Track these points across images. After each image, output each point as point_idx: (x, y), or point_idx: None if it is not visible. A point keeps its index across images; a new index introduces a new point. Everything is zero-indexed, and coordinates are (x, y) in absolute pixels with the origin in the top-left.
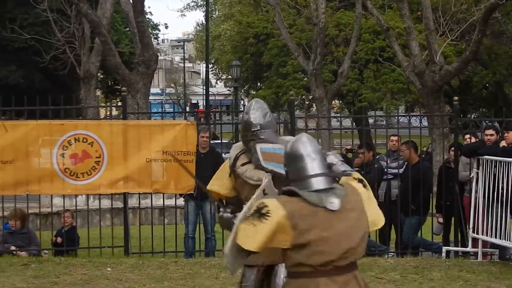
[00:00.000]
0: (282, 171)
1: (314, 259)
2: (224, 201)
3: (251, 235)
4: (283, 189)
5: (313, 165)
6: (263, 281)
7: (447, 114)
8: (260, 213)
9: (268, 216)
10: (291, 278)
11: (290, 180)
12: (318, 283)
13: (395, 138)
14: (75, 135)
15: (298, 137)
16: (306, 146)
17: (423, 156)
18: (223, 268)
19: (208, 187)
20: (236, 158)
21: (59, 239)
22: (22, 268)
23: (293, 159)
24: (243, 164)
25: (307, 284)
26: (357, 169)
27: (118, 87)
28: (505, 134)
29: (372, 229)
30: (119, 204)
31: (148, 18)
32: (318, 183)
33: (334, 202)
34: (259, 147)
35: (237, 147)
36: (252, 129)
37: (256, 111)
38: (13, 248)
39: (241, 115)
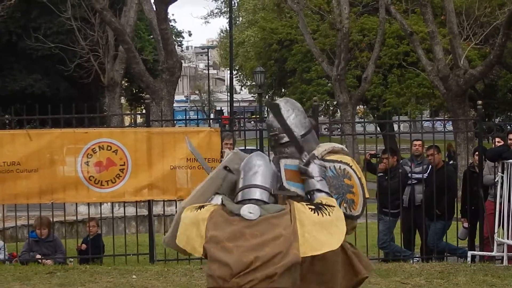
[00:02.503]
0: (303, 194)
1: (215, 270)
2: None
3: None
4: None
5: (250, 178)
6: None
7: (472, 118)
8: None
9: (201, 208)
10: None
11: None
12: None
13: (418, 142)
14: (99, 143)
15: (251, 154)
16: (250, 161)
17: (452, 154)
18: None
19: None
20: None
21: (83, 246)
22: (48, 276)
23: (239, 174)
24: None
25: None
26: (381, 174)
27: (143, 94)
28: None
29: (310, 254)
30: (144, 212)
31: (171, 25)
32: (247, 193)
33: (253, 212)
34: (283, 163)
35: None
36: (270, 133)
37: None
38: (38, 256)
39: None
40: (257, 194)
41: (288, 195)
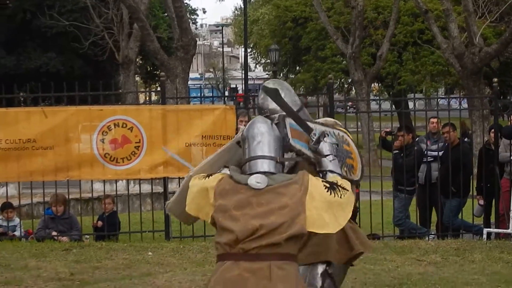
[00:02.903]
0: (310, 154)
1: (222, 237)
2: None
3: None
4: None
5: (255, 148)
6: None
7: (487, 96)
8: (208, 175)
9: (209, 177)
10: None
11: (242, 165)
12: (222, 266)
13: (435, 120)
14: (114, 121)
15: (252, 120)
16: (254, 128)
17: (468, 132)
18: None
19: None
20: None
21: (99, 223)
22: (64, 253)
23: (243, 142)
24: None
25: (217, 267)
26: (396, 151)
27: (157, 72)
28: None
29: (309, 229)
30: (159, 189)
31: (186, 3)
32: (255, 165)
33: (260, 182)
34: (288, 121)
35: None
36: (263, 115)
37: (264, 93)
38: (54, 233)
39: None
40: (264, 166)
41: (295, 160)
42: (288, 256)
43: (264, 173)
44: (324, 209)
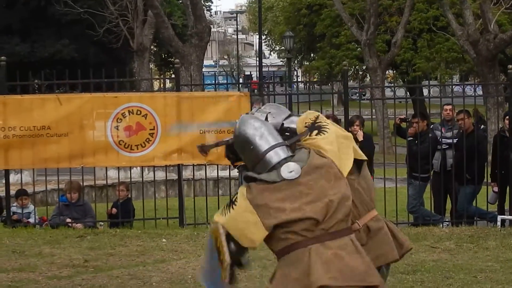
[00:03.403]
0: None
1: (298, 226)
2: None
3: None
4: (244, 175)
5: (261, 142)
6: None
7: (502, 82)
8: (230, 201)
9: (235, 203)
10: (281, 257)
11: (250, 168)
12: (310, 250)
13: (449, 107)
14: (129, 108)
15: (240, 120)
16: (248, 126)
17: (480, 118)
18: None
19: None
20: None
21: (114, 210)
22: (78, 240)
23: (243, 144)
24: None
25: (299, 255)
26: (411, 138)
27: (172, 59)
28: None
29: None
30: (173, 176)
31: None
32: (273, 157)
33: (293, 170)
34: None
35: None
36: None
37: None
38: (68, 220)
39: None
40: (280, 154)
41: (298, 138)
42: (351, 230)
43: (285, 160)
44: (345, 149)
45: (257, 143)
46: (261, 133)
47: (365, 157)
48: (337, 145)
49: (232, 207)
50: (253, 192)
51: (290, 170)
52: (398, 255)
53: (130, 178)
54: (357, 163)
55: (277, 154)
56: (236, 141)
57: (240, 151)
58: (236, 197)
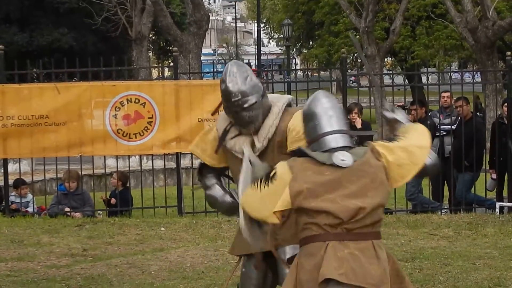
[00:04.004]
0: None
1: (322, 219)
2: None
3: (257, 202)
4: (292, 149)
5: (329, 123)
6: (266, 278)
7: (500, 69)
8: (268, 178)
9: (274, 180)
10: (302, 246)
11: (308, 141)
12: (328, 245)
13: (446, 94)
14: (127, 96)
15: (314, 95)
16: (322, 103)
17: (479, 106)
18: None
19: (192, 147)
20: (225, 132)
21: (113, 200)
22: (77, 229)
23: (309, 118)
24: (232, 138)
25: (316, 248)
26: None
27: (170, 48)
28: None
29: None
30: (172, 165)
31: None
32: (331, 141)
33: (345, 159)
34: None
35: (225, 118)
36: (232, 99)
37: (233, 76)
38: (67, 209)
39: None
40: (341, 141)
41: (365, 134)
42: (380, 234)
43: (342, 148)
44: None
45: (322, 122)
46: (330, 115)
47: None
48: (405, 155)
49: (269, 184)
50: (297, 167)
51: (342, 158)
52: None
53: (129, 166)
54: None
55: (336, 140)
56: (305, 110)
57: (305, 121)
58: (275, 173)
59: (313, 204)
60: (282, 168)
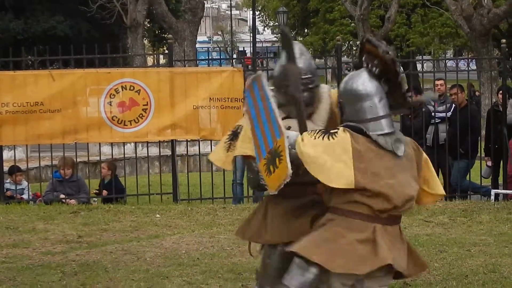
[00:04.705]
0: None
1: (376, 203)
2: None
3: (310, 145)
4: (348, 124)
5: (380, 105)
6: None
7: (495, 57)
8: (328, 132)
9: (335, 135)
10: (339, 215)
11: (348, 120)
12: (375, 229)
13: (440, 82)
14: (122, 83)
15: (359, 73)
16: (371, 84)
17: (472, 94)
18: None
19: (238, 153)
20: None
21: (104, 192)
22: (72, 215)
23: (355, 98)
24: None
25: (363, 227)
26: (402, 114)
27: (165, 35)
28: None
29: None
30: (167, 152)
31: None
32: (386, 125)
33: (400, 148)
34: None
35: None
36: (303, 77)
37: (304, 55)
38: (62, 196)
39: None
40: (386, 127)
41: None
42: (401, 219)
43: (390, 134)
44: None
45: (376, 104)
46: (381, 97)
47: None
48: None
49: (329, 138)
50: (360, 144)
51: (399, 146)
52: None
53: (124, 154)
54: None
55: (388, 124)
56: (352, 89)
57: (351, 101)
58: (336, 132)
59: (376, 187)
60: (343, 133)
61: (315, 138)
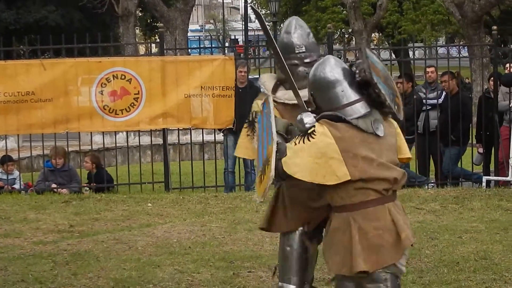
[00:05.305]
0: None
1: (379, 184)
2: None
3: (293, 154)
4: (324, 114)
5: (352, 89)
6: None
7: (486, 44)
8: (306, 134)
9: (313, 134)
10: (353, 212)
11: (323, 111)
12: (389, 209)
13: (430, 69)
14: (113, 72)
15: (325, 61)
16: (339, 69)
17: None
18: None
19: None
20: (275, 88)
21: (92, 185)
22: (63, 205)
23: (326, 86)
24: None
25: (377, 212)
26: None
27: (157, 24)
28: None
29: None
30: (159, 141)
31: None
32: (360, 108)
33: (380, 128)
34: (369, 52)
35: (270, 77)
36: (296, 51)
37: (299, 29)
38: (54, 185)
39: (280, 36)
40: (362, 109)
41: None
42: None
43: (367, 115)
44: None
45: (348, 88)
46: (350, 81)
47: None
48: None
49: (309, 139)
50: (342, 132)
51: (378, 127)
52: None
53: (115, 143)
54: None
55: (363, 107)
56: (321, 77)
57: (322, 90)
58: (314, 131)
59: (372, 171)
60: (321, 127)
61: (295, 144)
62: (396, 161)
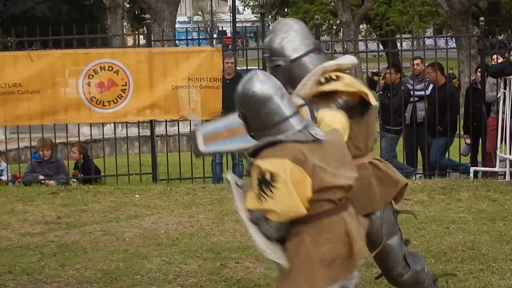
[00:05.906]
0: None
1: (334, 194)
2: None
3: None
4: (261, 144)
5: (284, 104)
6: None
7: (474, 35)
8: (266, 183)
9: (276, 180)
10: (306, 224)
11: (255, 130)
12: (344, 218)
13: (417, 61)
14: (100, 64)
15: (251, 78)
16: (268, 84)
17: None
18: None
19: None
20: None
21: (81, 175)
22: (51, 196)
23: (256, 104)
24: None
25: (333, 222)
26: (381, 92)
27: (145, 16)
28: None
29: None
30: (146, 132)
31: None
32: (295, 124)
33: (316, 130)
34: (200, 132)
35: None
36: (264, 54)
37: (273, 33)
38: (41, 177)
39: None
40: (300, 121)
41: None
42: None
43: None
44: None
45: (279, 104)
46: (282, 94)
47: (374, 102)
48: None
49: (271, 191)
50: (292, 152)
51: (316, 133)
52: (394, 193)
53: (103, 134)
54: (363, 107)
55: (298, 122)
56: (251, 95)
57: (254, 108)
58: (272, 174)
59: (328, 180)
60: (272, 164)
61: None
62: (348, 165)
